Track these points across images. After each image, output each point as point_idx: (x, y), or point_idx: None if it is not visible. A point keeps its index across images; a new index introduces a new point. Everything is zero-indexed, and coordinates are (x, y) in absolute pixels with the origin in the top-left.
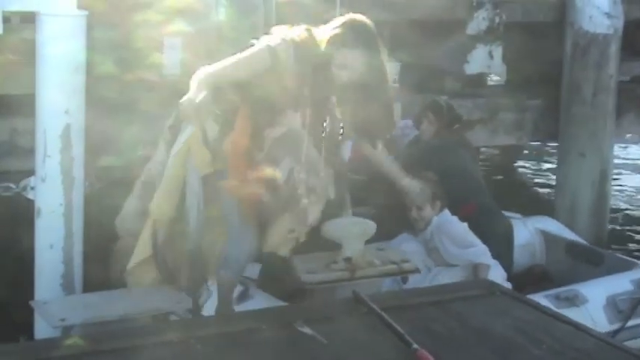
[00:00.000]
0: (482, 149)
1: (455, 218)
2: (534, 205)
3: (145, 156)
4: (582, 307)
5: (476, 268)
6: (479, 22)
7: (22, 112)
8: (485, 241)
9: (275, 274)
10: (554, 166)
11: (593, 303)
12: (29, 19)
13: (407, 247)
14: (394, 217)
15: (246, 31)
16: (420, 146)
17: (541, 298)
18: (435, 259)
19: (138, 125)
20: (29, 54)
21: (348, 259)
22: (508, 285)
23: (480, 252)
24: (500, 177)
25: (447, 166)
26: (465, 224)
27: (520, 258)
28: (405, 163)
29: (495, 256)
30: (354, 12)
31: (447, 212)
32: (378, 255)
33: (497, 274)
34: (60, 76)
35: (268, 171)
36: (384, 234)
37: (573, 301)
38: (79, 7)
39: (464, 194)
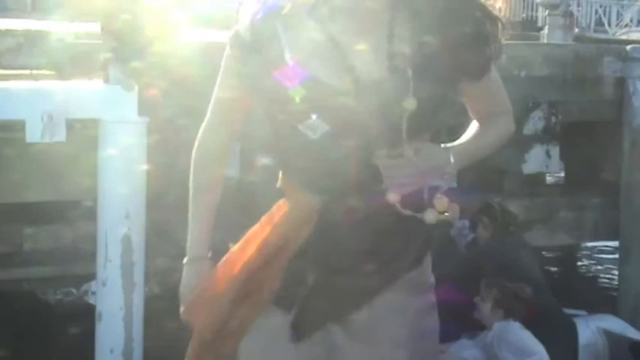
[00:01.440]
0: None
1: (517, 325)
2: (597, 303)
3: None
4: None
5: None
6: (535, 121)
7: (85, 217)
8: (548, 344)
9: None
10: (615, 265)
11: None
12: (92, 125)
13: (466, 354)
14: (454, 317)
15: None
16: (478, 249)
17: None
18: None
19: None
20: (91, 160)
21: None
22: None
23: None
24: (561, 275)
25: (506, 268)
26: (529, 333)
27: (583, 358)
28: (465, 266)
29: (559, 359)
30: None
31: (510, 321)
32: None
33: None
34: (121, 181)
35: None
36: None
37: None
38: (140, 113)
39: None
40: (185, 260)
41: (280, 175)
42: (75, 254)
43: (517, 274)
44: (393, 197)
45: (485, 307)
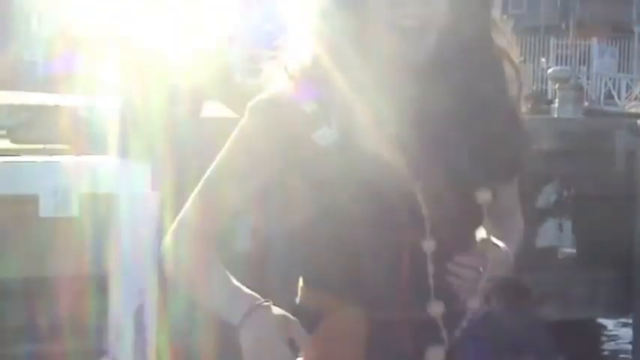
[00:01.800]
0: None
1: None
2: None
3: None
4: None
5: None
6: (547, 195)
7: (97, 292)
8: None
9: None
10: (628, 342)
11: None
12: (104, 199)
13: None
14: None
15: None
16: (493, 325)
17: None
18: None
19: None
20: (104, 234)
21: None
22: None
23: None
24: (576, 352)
25: (521, 344)
26: None
27: None
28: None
29: None
30: None
31: None
32: None
33: None
34: (134, 255)
35: None
36: None
37: None
38: (153, 188)
39: None
40: (240, 319)
41: (302, 284)
42: (87, 329)
43: (531, 351)
44: (474, 304)
45: None
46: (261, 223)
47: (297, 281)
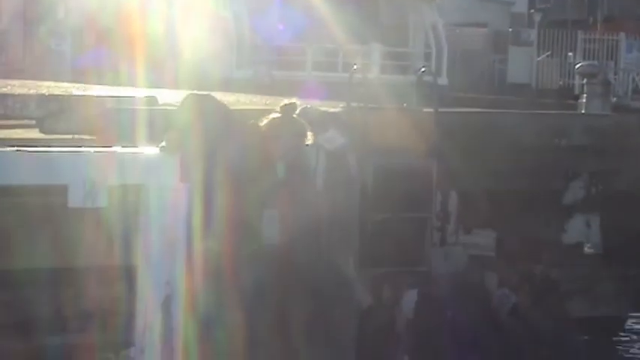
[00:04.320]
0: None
1: None
2: None
3: None
4: None
5: None
6: (575, 191)
7: (125, 283)
8: None
9: None
10: None
11: None
12: (133, 191)
13: None
14: None
15: None
16: (521, 318)
17: None
18: None
19: None
20: (132, 225)
21: None
22: None
23: None
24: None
25: (548, 339)
26: None
27: None
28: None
29: None
30: None
31: None
32: None
33: None
34: (161, 247)
35: None
36: None
37: None
38: (181, 180)
39: None
40: None
41: None
42: (114, 320)
43: (557, 347)
44: None
45: None
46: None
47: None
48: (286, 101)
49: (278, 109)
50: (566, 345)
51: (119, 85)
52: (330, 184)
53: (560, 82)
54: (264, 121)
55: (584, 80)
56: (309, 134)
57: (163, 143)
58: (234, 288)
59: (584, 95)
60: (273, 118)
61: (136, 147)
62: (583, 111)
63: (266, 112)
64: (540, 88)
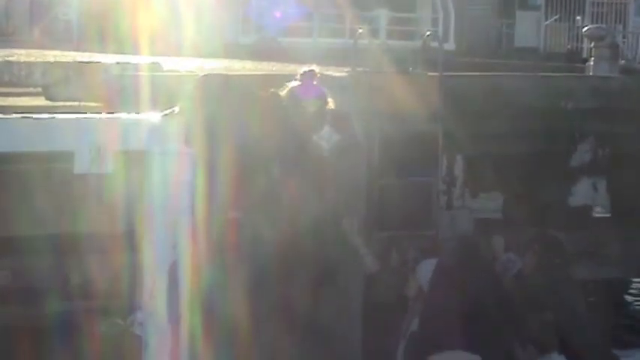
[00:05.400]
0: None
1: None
2: None
3: None
4: None
5: None
6: (582, 154)
7: (132, 248)
8: None
9: None
10: None
11: None
12: (139, 157)
13: None
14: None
15: None
16: (524, 282)
17: None
18: None
19: None
20: (138, 191)
21: None
22: None
23: None
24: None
25: (552, 303)
26: None
27: None
28: (510, 298)
29: None
30: None
31: (554, 354)
32: None
33: None
34: (167, 212)
35: None
36: None
37: None
38: (186, 145)
39: (570, 331)
40: None
41: None
42: (121, 285)
43: (562, 310)
44: None
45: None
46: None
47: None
48: (306, 68)
49: (298, 76)
50: (571, 309)
51: (124, 52)
52: (335, 149)
53: (569, 46)
54: (284, 90)
55: (592, 44)
56: (330, 100)
57: (169, 110)
58: (238, 255)
59: (592, 58)
60: (294, 87)
61: (141, 113)
62: (591, 73)
63: (276, 78)
64: (548, 52)
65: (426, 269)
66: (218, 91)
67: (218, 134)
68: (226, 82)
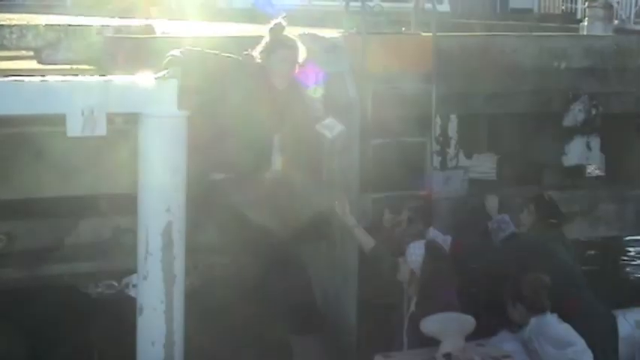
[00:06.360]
0: (583, 242)
1: (555, 319)
2: (636, 297)
3: None
4: None
5: None
6: (575, 113)
7: (126, 211)
8: (589, 338)
9: None
10: None
11: None
12: (132, 120)
13: (507, 346)
14: (493, 313)
15: None
16: (519, 243)
17: None
18: None
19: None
20: (131, 154)
21: (447, 355)
22: None
23: (580, 350)
24: (601, 268)
25: (546, 263)
26: (567, 325)
27: (621, 351)
28: (503, 259)
29: (600, 352)
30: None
31: (547, 314)
32: (478, 351)
33: None
34: (161, 175)
35: None
36: (483, 330)
37: None
38: (180, 108)
39: (565, 290)
40: None
41: None
42: (116, 248)
43: (557, 269)
44: None
45: (510, 311)
46: None
47: None
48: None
49: (267, 32)
50: (565, 270)
51: (117, 15)
52: (329, 109)
53: (563, 7)
54: (257, 48)
55: (586, 4)
56: (303, 50)
57: (162, 73)
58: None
59: (586, 19)
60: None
61: (135, 75)
62: (584, 33)
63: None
64: (543, 13)
65: (416, 253)
66: (198, 58)
67: (203, 99)
68: (203, 53)
